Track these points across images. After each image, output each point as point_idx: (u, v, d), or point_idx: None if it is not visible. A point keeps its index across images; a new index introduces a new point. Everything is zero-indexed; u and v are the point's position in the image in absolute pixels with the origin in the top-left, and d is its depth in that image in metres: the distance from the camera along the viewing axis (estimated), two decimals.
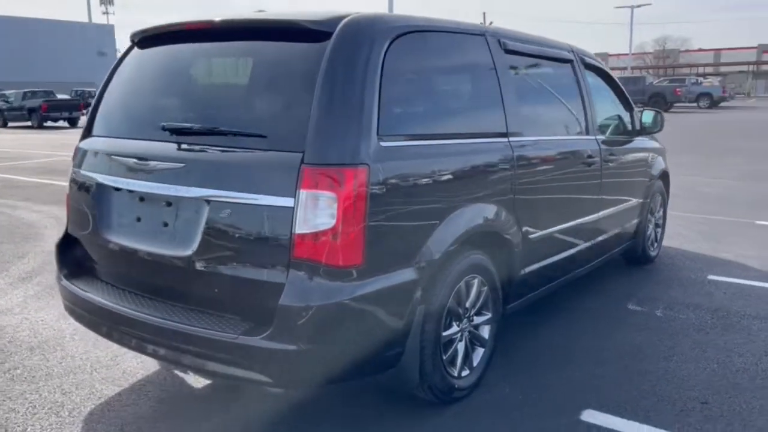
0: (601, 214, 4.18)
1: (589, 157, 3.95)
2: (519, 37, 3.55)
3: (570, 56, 4.07)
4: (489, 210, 3.04)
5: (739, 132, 19.38)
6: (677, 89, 31.90)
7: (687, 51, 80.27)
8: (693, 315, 4.09)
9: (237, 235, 2.48)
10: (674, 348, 3.59)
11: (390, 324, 2.57)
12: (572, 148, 3.84)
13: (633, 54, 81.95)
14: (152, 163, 2.71)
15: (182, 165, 2.62)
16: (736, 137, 17.40)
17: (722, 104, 35.52)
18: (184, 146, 2.65)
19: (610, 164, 4.23)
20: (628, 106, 4.78)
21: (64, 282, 3.07)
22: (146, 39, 3.12)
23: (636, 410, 2.91)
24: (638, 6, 51.85)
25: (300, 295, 2.34)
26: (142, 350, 2.73)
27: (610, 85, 4.67)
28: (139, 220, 2.80)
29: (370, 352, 2.54)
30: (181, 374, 3.30)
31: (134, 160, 2.78)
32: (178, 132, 2.68)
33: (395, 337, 2.60)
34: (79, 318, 3.04)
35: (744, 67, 71.00)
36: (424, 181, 2.69)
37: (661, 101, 30.66)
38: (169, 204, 2.68)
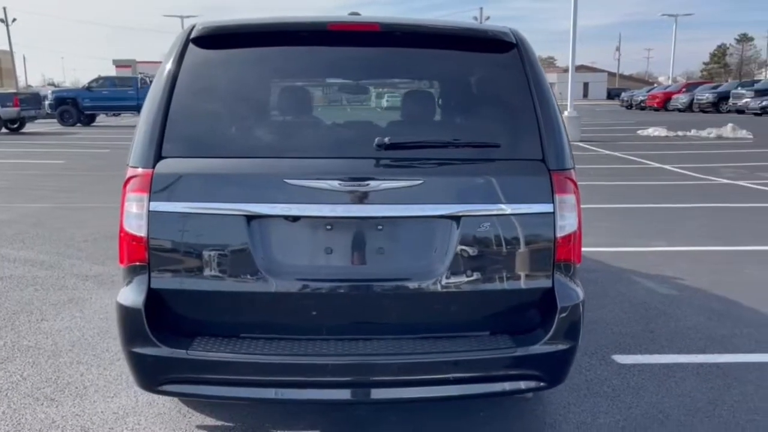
0: None
1: None
2: None
3: None
4: None
5: None
6: None
7: None
8: None
9: (495, 248, 2.46)
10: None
11: None
12: None
13: None
14: (362, 183, 2.38)
15: (411, 183, 2.39)
16: None
17: None
18: (411, 162, 2.44)
19: None
20: None
21: (178, 352, 2.39)
22: (234, 38, 2.63)
23: (638, 347, 3.83)
24: (187, 16, 53.47)
25: (569, 295, 2.51)
26: (363, 399, 2.47)
27: None
28: (330, 251, 2.40)
29: None
30: None
31: (335, 182, 2.37)
32: (392, 147, 2.42)
33: None
34: (228, 389, 2.42)
35: None
36: None
37: None
38: (379, 227, 2.39)
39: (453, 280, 2.43)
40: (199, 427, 2.92)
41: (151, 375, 2.47)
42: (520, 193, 2.47)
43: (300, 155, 2.47)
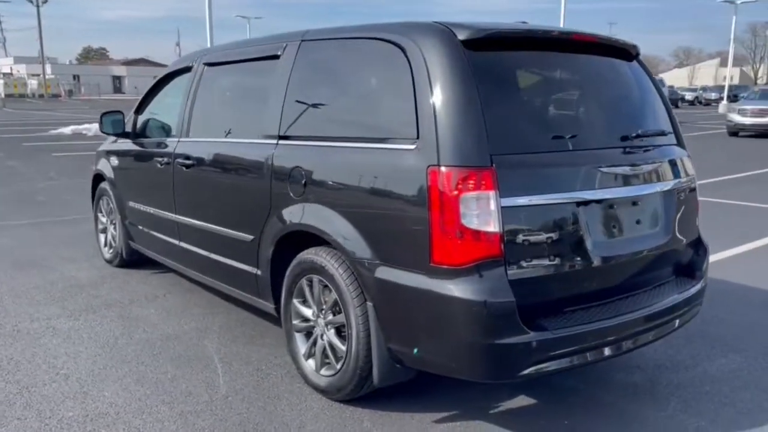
0: None
1: None
2: None
3: None
4: None
5: None
6: None
7: None
8: None
9: (684, 210, 3.26)
10: None
11: None
12: None
13: None
14: (638, 168, 3.00)
15: (659, 164, 3.13)
16: None
17: None
18: (648, 148, 3.12)
19: None
20: None
21: (544, 334, 2.63)
22: (502, 42, 2.85)
23: None
24: None
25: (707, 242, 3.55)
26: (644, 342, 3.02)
27: None
28: (615, 226, 2.93)
29: None
30: None
31: (626, 167, 2.94)
32: (640, 136, 3.09)
33: None
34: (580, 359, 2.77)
35: None
36: None
37: None
38: (634, 203, 3.01)
39: (675, 239, 3.19)
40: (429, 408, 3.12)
41: (517, 362, 2.60)
42: (685, 167, 3.32)
43: (590, 147, 2.90)
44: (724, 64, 70.49)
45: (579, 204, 2.79)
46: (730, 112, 22.01)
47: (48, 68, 66.88)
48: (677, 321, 3.16)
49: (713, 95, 52.15)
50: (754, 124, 20.65)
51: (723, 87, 45.47)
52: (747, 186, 10.39)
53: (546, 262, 2.71)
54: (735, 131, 21.14)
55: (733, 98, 37.41)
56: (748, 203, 8.75)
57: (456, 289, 2.58)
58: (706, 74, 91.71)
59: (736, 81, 68.13)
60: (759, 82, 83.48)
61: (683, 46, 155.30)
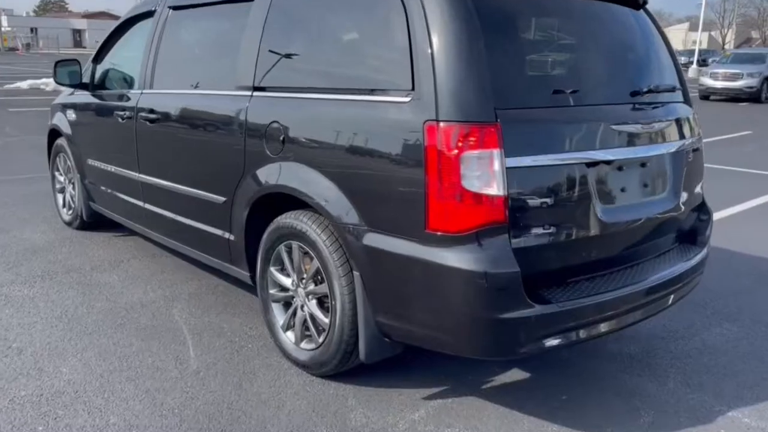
0: None
1: None
2: None
3: None
4: None
5: None
6: None
7: None
8: None
9: (692, 171, 3.04)
10: None
11: None
12: None
13: None
14: (651, 126, 2.78)
15: (670, 121, 2.90)
16: None
17: None
18: (658, 105, 2.88)
19: None
20: None
21: (549, 308, 2.39)
22: None
23: None
24: None
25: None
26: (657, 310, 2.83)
27: None
28: (624, 189, 2.69)
29: None
30: None
31: (638, 125, 2.71)
32: (650, 92, 2.84)
33: None
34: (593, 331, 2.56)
35: None
36: None
37: None
38: (643, 164, 2.77)
39: (682, 203, 2.96)
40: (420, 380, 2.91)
41: (520, 338, 2.37)
42: (692, 126, 3.09)
43: (600, 102, 2.66)
44: (693, 28, 70.76)
45: (588, 165, 2.54)
46: (702, 76, 22.02)
47: (4, 20, 63.85)
48: (683, 290, 2.96)
49: (683, 59, 52.27)
50: (725, 87, 20.64)
51: (693, 51, 45.58)
52: (721, 149, 10.33)
53: (552, 228, 2.46)
54: (707, 95, 21.11)
55: (703, 62, 37.60)
56: (726, 167, 8.67)
57: (454, 258, 2.32)
58: (675, 38, 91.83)
59: (704, 46, 68.56)
60: (727, 47, 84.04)
61: (654, 10, 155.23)
